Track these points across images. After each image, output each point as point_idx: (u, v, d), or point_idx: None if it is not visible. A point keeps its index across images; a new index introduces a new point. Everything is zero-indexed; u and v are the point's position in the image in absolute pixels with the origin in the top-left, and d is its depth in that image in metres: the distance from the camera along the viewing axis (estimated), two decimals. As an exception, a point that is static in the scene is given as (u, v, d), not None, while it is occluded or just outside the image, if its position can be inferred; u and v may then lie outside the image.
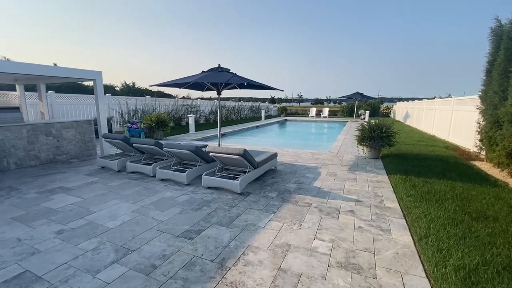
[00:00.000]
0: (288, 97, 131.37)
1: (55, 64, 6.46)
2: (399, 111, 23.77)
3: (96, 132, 7.65)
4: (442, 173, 5.42)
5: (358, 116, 24.71)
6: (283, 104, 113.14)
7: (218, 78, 5.81)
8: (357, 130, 7.53)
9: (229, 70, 6.45)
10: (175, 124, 16.08)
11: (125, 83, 31.18)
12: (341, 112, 29.74)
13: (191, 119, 12.79)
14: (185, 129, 14.24)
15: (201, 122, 18.64)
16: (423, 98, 20.42)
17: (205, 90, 7.73)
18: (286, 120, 24.21)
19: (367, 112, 19.33)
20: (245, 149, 4.16)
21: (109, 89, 26.84)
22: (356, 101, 22.82)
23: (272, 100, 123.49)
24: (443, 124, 11.21)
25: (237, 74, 6.48)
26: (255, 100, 38.14)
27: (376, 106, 27.96)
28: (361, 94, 21.57)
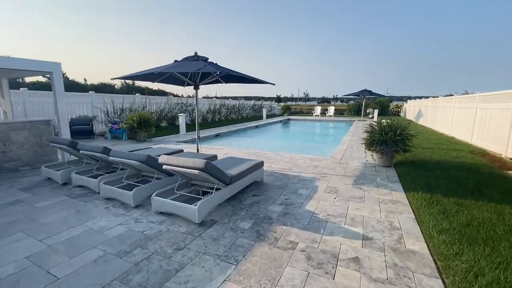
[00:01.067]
0: (295, 96, 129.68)
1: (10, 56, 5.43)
2: (411, 109, 22.19)
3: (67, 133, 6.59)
4: (477, 189, 4.13)
5: (366, 115, 23.24)
6: (289, 103, 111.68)
7: (189, 67, 4.65)
8: (365, 132, 6.26)
9: (207, 59, 5.28)
10: (168, 123, 15.04)
11: (125, 81, 30.41)
12: (348, 111, 28.25)
13: (181, 119, 11.69)
14: (177, 129, 13.19)
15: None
16: (430, 97, 18.93)
17: (186, 85, 6.60)
18: (289, 119, 22.93)
19: (376, 111, 17.90)
20: (207, 161, 2.98)
21: (108, 88, 26.11)
22: (364, 99, 21.35)
23: (278, 99, 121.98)
24: (464, 124, 9.78)
25: (217, 64, 5.31)
26: (259, 99, 36.92)
27: (386, 105, 26.36)
28: (369, 91, 20.10)
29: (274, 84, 5.60)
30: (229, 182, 3.46)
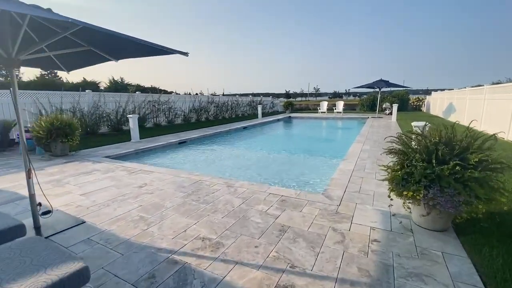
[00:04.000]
0: (304, 91, 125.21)
1: None
2: (436, 103, 18.42)
3: None
4: None
5: (382, 111, 19.63)
6: (298, 98, 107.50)
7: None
8: (390, 151, 3.08)
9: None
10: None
11: (113, 79, 28.05)
12: (360, 106, 24.61)
13: (131, 122, 8.83)
14: (142, 133, 10.41)
15: (177, 122, 14.70)
16: (447, 89, 15.26)
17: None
18: (290, 117, 19.70)
19: (395, 106, 14.42)
20: None
21: (91, 86, 23.65)
22: (380, 92, 17.76)
23: (287, 95, 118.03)
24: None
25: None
26: (269, 95, 33.78)
27: (405, 98, 22.59)
28: (386, 82, 16.53)
29: (186, 54, 2.58)
30: None
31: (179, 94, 19.17)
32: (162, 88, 32.37)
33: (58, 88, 16.95)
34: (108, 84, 27.93)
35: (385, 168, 3.01)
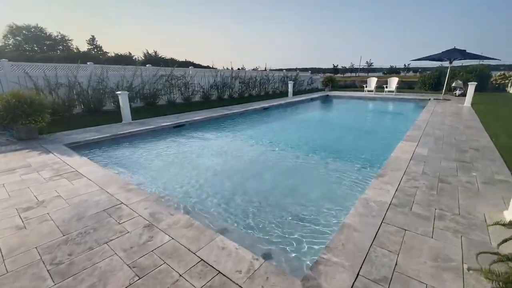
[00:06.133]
0: (355, 66, 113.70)
1: None
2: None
3: None
4: None
5: (451, 91, 15.35)
6: (347, 74, 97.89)
7: None
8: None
9: None
10: (146, 103, 11.13)
11: (147, 52, 27.75)
12: (420, 84, 19.94)
13: (121, 99, 7.52)
14: (151, 112, 9.34)
15: (194, 100, 13.26)
16: None
17: None
18: (327, 96, 16.80)
19: (471, 85, 10.52)
20: None
21: (126, 60, 23.60)
22: (450, 65, 13.50)
23: (335, 70, 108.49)
24: None
25: None
26: (317, 70, 30.52)
27: (485, 74, 17.39)
28: (462, 52, 12.35)
29: None
30: None
31: (200, 68, 17.58)
32: (197, 63, 31.25)
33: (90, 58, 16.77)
34: (143, 58, 27.76)
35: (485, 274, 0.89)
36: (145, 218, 2.54)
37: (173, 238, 2.22)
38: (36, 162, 4.24)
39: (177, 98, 12.56)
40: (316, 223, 2.79)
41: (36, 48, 35.32)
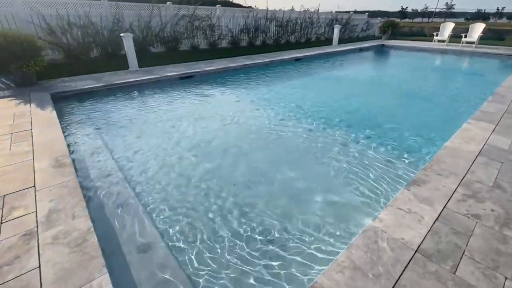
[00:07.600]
0: (429, 9, 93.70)
1: None
2: None
3: None
4: None
5: None
6: (418, 19, 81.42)
7: None
8: None
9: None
10: (167, 48, 10.22)
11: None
12: (517, 34, 15.08)
13: (126, 43, 6.67)
14: (171, 58, 8.64)
15: (220, 46, 11.86)
16: None
17: None
18: (383, 46, 13.79)
19: None
20: None
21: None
22: None
23: (403, 14, 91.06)
24: None
25: None
26: (381, 14, 25.69)
27: None
28: None
29: None
30: None
31: (229, 7, 15.44)
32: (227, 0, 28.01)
33: None
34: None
35: None
36: (38, 219, 1.82)
37: (39, 266, 1.47)
38: (2, 114, 3.80)
39: (201, 43, 11.32)
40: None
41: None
